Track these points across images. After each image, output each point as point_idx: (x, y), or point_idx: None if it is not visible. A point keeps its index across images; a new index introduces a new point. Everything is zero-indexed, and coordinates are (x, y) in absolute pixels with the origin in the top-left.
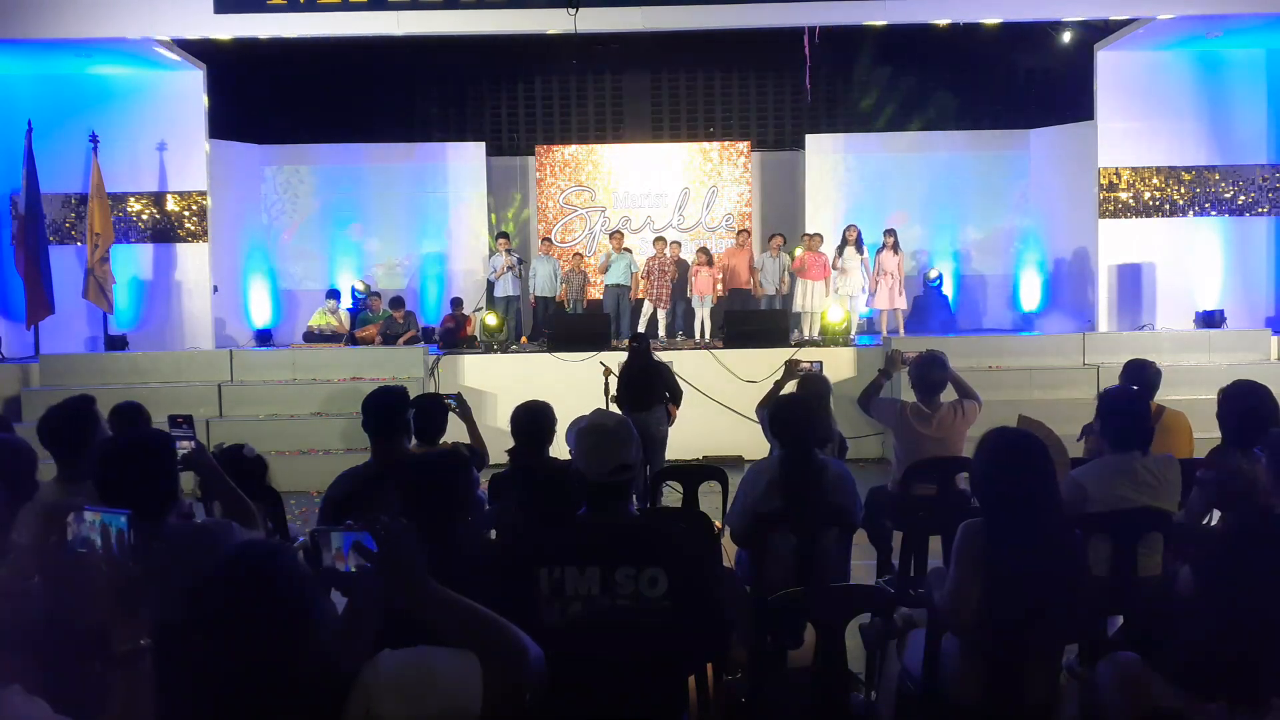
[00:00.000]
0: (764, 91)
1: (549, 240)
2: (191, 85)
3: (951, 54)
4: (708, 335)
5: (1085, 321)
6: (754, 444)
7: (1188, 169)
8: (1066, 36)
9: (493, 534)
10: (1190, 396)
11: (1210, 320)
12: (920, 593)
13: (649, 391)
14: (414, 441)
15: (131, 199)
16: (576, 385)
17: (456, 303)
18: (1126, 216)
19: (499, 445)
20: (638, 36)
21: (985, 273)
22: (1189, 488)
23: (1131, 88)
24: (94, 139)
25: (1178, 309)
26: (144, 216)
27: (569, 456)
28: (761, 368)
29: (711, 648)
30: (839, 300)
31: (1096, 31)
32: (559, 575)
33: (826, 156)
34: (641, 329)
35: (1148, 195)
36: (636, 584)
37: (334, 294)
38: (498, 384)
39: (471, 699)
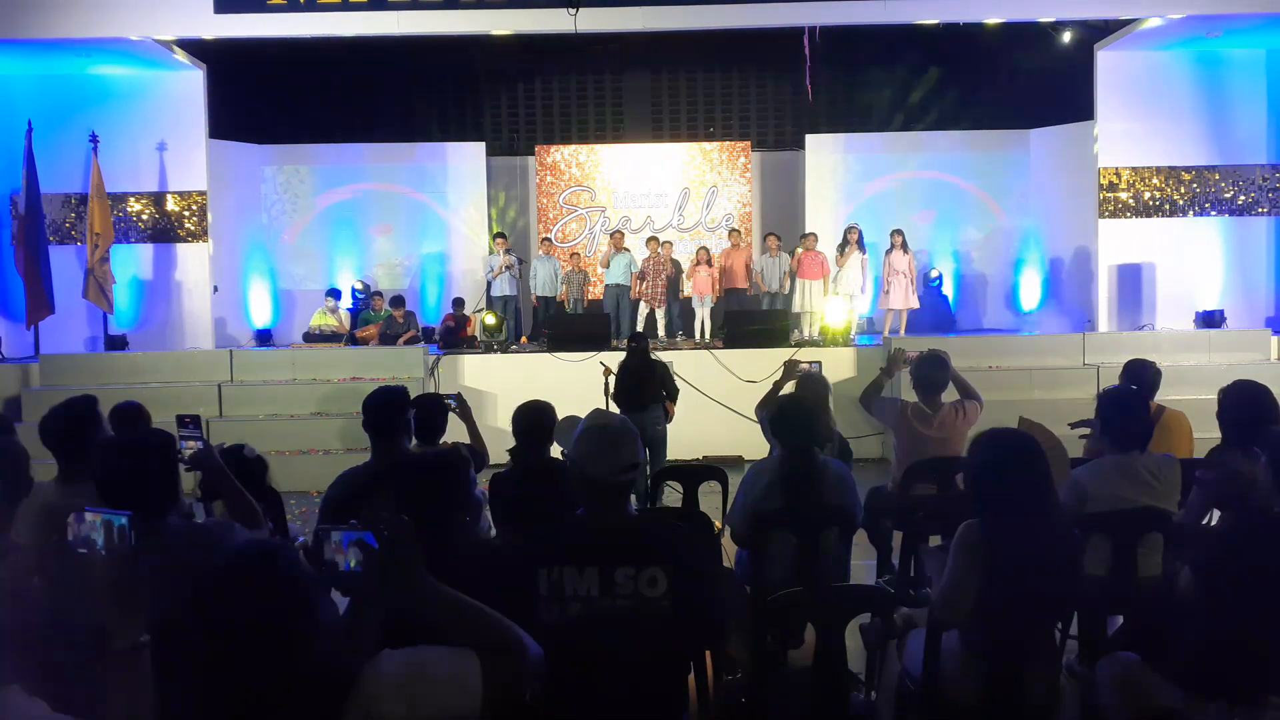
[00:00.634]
0: (764, 91)
1: (549, 240)
2: (191, 85)
3: (951, 54)
4: (708, 335)
5: (1085, 321)
6: (754, 444)
7: (1188, 169)
8: (1066, 36)
9: (492, 533)
10: (1190, 396)
11: (1210, 320)
12: (919, 589)
13: (646, 391)
14: (414, 441)
15: (131, 199)
16: (576, 385)
17: (457, 303)
18: (1126, 216)
19: (499, 445)
20: (638, 36)
21: (985, 273)
22: (1189, 488)
23: (1131, 88)
24: (94, 139)
25: (1178, 309)
26: (144, 216)
27: (562, 455)
28: (761, 368)
29: (708, 645)
30: (838, 299)
31: (1096, 31)
32: (558, 576)
33: (826, 156)
34: (641, 329)
35: (1148, 195)
36: (636, 584)
37: (334, 294)
38: (498, 384)
39: (472, 699)
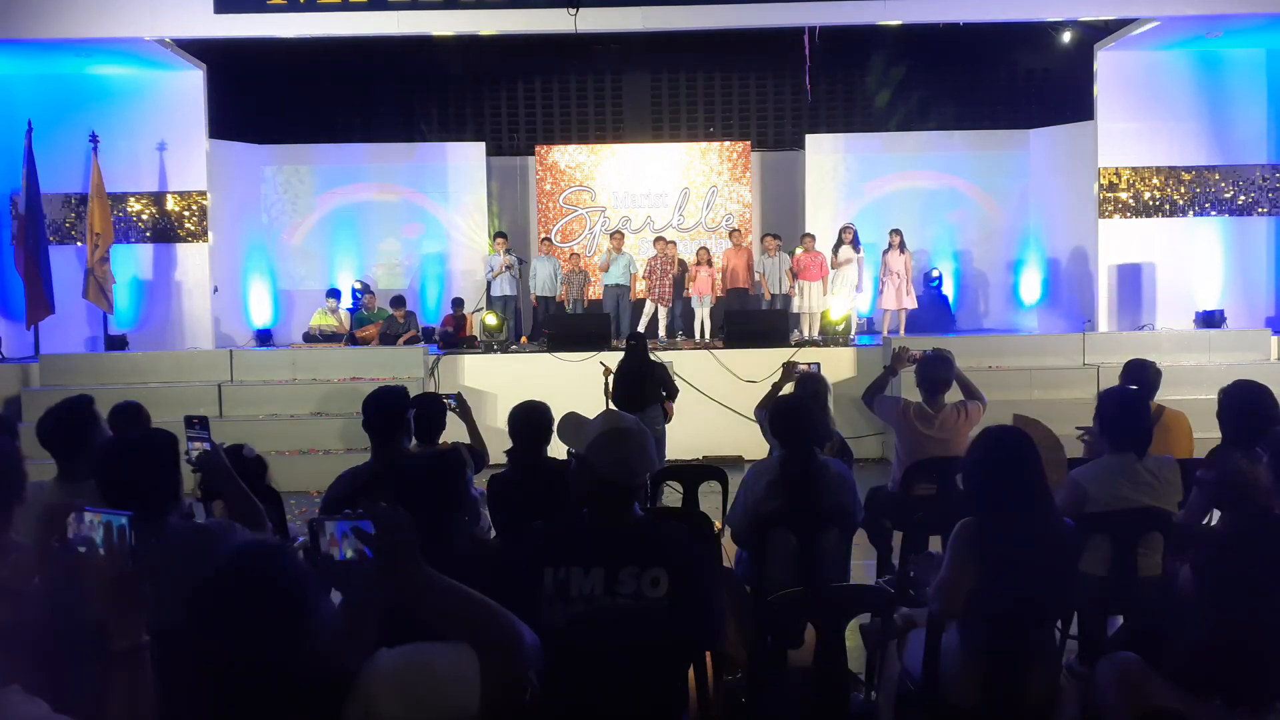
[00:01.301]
0: (764, 91)
1: (549, 240)
2: (191, 85)
3: (951, 54)
4: (708, 335)
5: (1085, 321)
6: (754, 444)
7: (1188, 169)
8: (1066, 36)
9: (492, 533)
10: (1190, 396)
11: (1210, 320)
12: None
13: (645, 391)
14: (414, 441)
15: (131, 199)
16: (576, 385)
17: (457, 303)
18: (1126, 216)
19: (499, 445)
20: (638, 36)
21: (985, 273)
22: (1190, 488)
23: (1131, 88)
24: (94, 139)
25: (1178, 309)
26: (144, 216)
27: (566, 455)
28: (761, 368)
29: (705, 646)
30: (837, 298)
31: (1096, 31)
32: (564, 575)
33: (826, 156)
34: (642, 329)
35: (1148, 195)
36: (639, 584)
37: (334, 294)
38: (498, 384)
39: (470, 696)
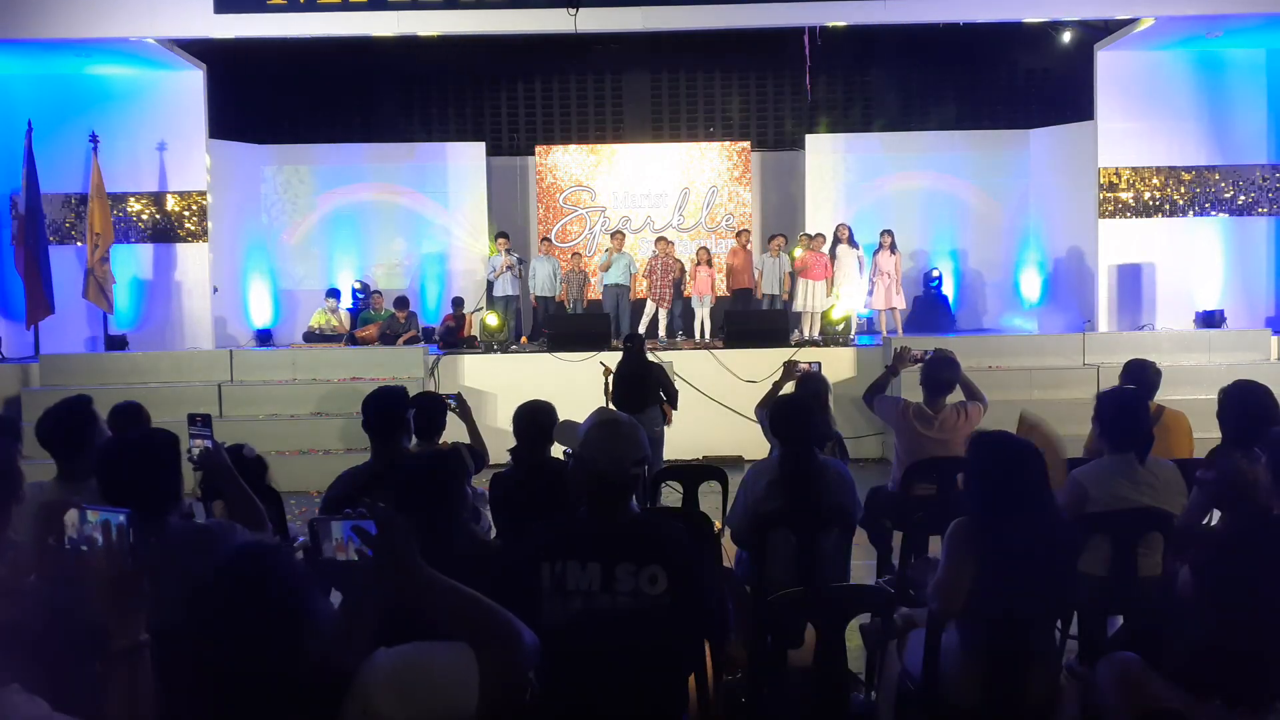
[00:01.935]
0: (764, 91)
1: (548, 240)
2: (191, 85)
3: (951, 54)
4: (708, 335)
5: (1085, 321)
6: (754, 444)
7: (1188, 169)
8: (1066, 36)
9: (492, 533)
10: (1190, 396)
11: (1210, 320)
12: (911, 581)
13: (642, 392)
14: (414, 441)
15: (131, 199)
16: (576, 385)
17: (457, 303)
18: (1126, 216)
19: (499, 445)
20: (638, 36)
21: (985, 272)
22: (1190, 488)
23: (1131, 88)
24: (94, 139)
25: (1178, 309)
26: (144, 216)
27: (563, 455)
28: (761, 368)
29: (710, 639)
30: (845, 297)
31: (1096, 31)
32: (561, 570)
33: (826, 156)
34: (642, 329)
35: (1148, 195)
36: (636, 581)
37: (334, 294)
38: (498, 384)
39: (469, 695)
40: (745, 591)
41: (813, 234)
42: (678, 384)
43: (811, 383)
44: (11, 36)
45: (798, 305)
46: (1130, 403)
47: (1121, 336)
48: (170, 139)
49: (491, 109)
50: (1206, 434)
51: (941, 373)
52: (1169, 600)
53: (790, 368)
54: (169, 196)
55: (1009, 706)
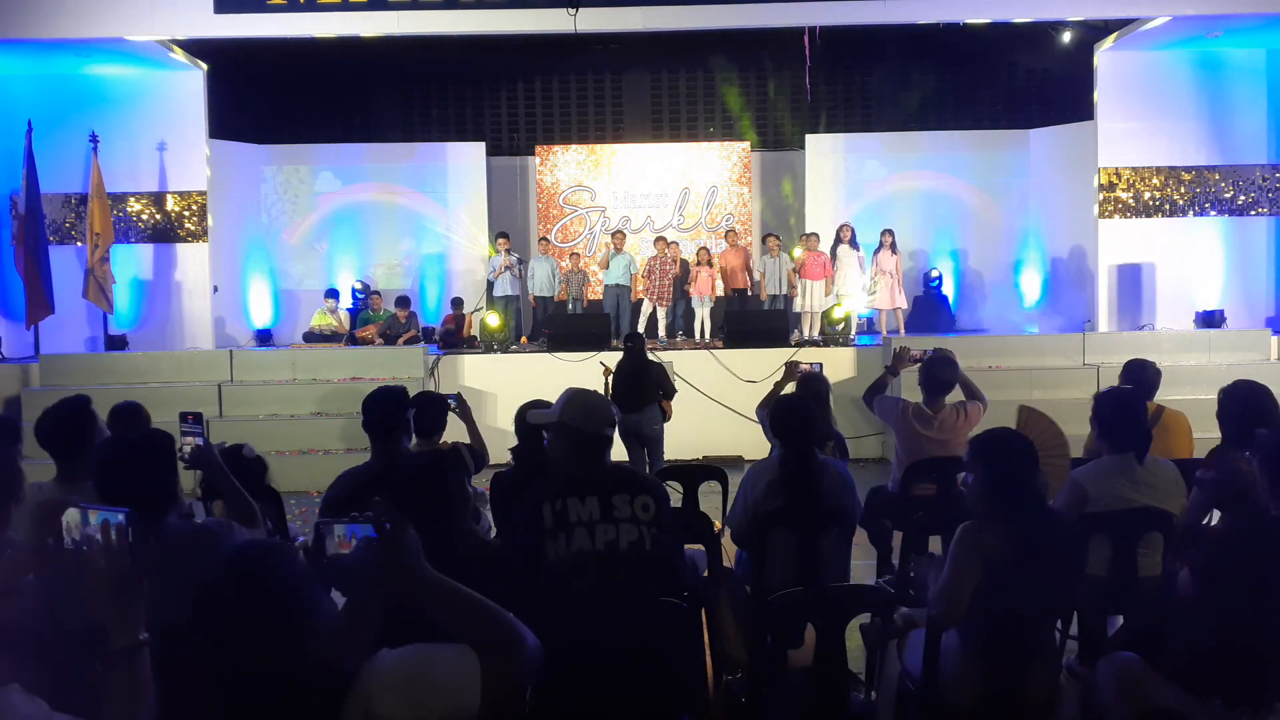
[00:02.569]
0: (764, 91)
1: (547, 240)
2: (191, 85)
3: (952, 54)
4: (708, 335)
5: (1085, 321)
6: (754, 444)
7: (1188, 169)
8: (1066, 36)
9: (492, 533)
10: (1190, 396)
11: (1210, 320)
12: (912, 580)
13: (642, 392)
14: (414, 440)
15: (131, 199)
16: (576, 385)
17: (457, 303)
18: (1126, 216)
19: (499, 445)
20: (638, 36)
21: (985, 273)
22: (1190, 488)
23: (1131, 88)
24: (94, 139)
25: (1178, 309)
26: (144, 216)
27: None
28: (761, 368)
29: (679, 583)
30: (846, 297)
31: (1096, 31)
32: (561, 506)
33: (826, 156)
34: (641, 329)
35: (1148, 195)
36: (632, 508)
37: (334, 294)
38: (498, 384)
39: (470, 697)
40: (745, 591)
41: (808, 233)
42: (678, 384)
43: (813, 383)
44: (11, 36)
45: (797, 305)
46: (1128, 403)
47: (1121, 336)
48: (170, 139)
49: (491, 109)
50: (1206, 434)
51: (940, 373)
52: (1169, 600)
53: (792, 368)
54: (169, 196)
55: (1009, 706)
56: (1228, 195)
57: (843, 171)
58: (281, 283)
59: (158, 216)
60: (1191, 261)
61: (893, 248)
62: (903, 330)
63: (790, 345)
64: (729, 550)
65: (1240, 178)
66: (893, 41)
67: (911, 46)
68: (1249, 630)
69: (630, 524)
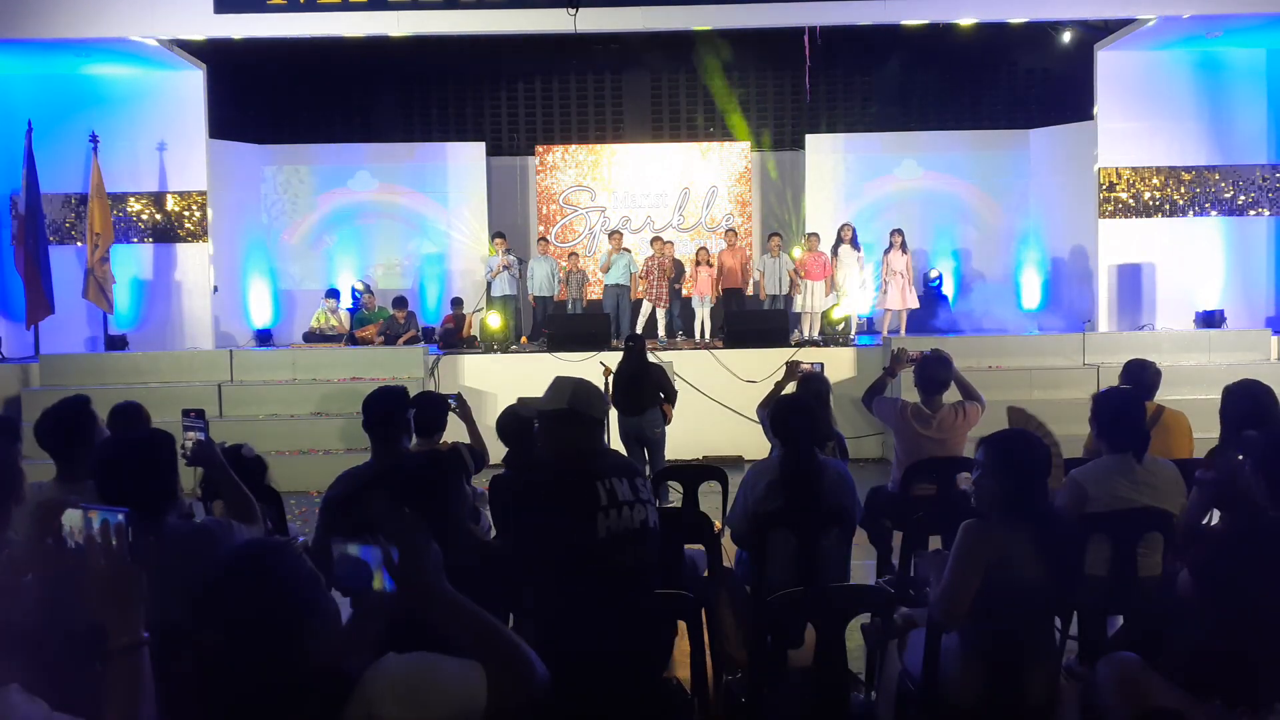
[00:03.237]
0: (764, 91)
1: (547, 240)
2: (191, 85)
3: (951, 54)
4: (708, 335)
5: (1085, 321)
6: (754, 444)
7: (1188, 169)
8: (1066, 36)
9: (492, 533)
10: (1190, 396)
11: (1210, 320)
12: (914, 579)
13: (643, 395)
14: (414, 440)
15: (131, 199)
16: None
17: (456, 303)
18: (1126, 216)
19: (499, 445)
20: (638, 36)
21: (985, 273)
22: (1190, 488)
23: (1131, 88)
24: (94, 139)
25: (1178, 309)
26: (144, 216)
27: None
28: (761, 368)
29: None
30: (846, 297)
31: (1096, 31)
32: (610, 486)
33: (826, 156)
34: (641, 329)
35: (1148, 195)
36: (646, 490)
37: (334, 294)
38: (498, 384)
39: (474, 706)
40: (745, 591)
41: (810, 233)
42: (678, 384)
43: (814, 383)
44: (11, 36)
45: (797, 305)
46: (1126, 403)
47: (1121, 337)
48: (170, 139)
49: (491, 109)
50: (1206, 434)
51: (934, 372)
52: (1169, 600)
53: (793, 368)
54: (169, 196)
55: (1009, 707)
56: (1228, 195)
57: (843, 171)
58: (281, 283)
59: (158, 216)
60: (1191, 261)
61: (903, 248)
62: (903, 330)
63: (790, 345)
64: (729, 550)
65: (1240, 178)
66: (892, 41)
67: (911, 46)
68: (1249, 630)
69: (646, 505)
